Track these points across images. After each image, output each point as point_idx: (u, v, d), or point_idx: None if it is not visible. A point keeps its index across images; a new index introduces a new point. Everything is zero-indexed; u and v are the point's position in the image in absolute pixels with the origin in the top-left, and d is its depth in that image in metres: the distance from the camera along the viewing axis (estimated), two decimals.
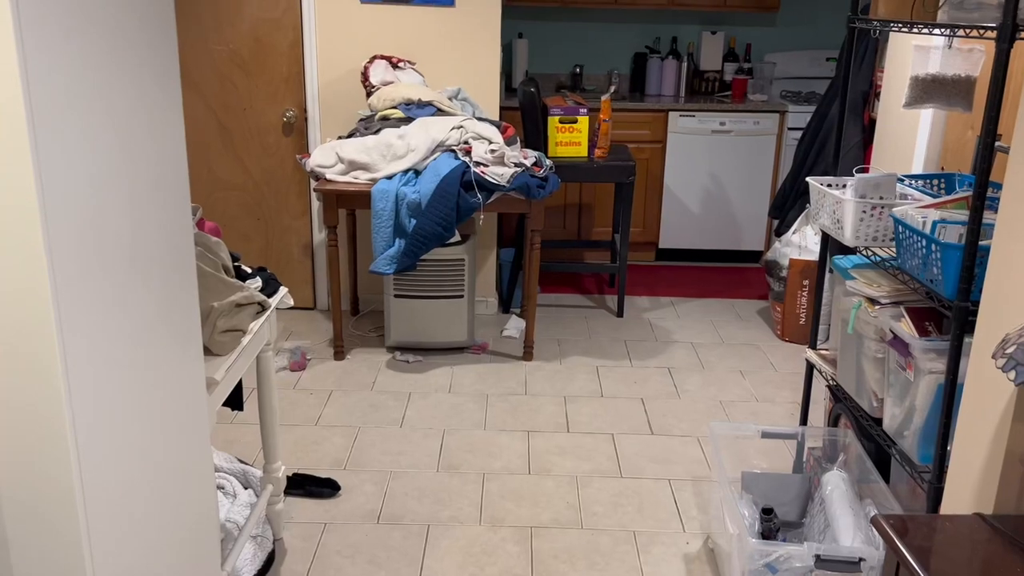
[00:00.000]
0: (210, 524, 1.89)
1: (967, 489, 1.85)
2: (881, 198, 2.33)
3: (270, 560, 2.57)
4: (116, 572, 1.43)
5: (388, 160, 3.73)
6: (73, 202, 1.24)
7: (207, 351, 1.94)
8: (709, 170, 5.35)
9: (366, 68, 4.07)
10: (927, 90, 2.45)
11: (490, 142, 3.73)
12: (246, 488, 2.74)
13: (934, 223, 2.05)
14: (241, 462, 2.89)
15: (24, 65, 1.11)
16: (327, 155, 3.79)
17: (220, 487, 2.67)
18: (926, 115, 3.31)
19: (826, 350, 2.83)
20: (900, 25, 2.32)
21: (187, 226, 1.64)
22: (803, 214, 4.40)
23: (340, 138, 3.97)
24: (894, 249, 2.29)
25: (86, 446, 1.31)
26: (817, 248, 2.84)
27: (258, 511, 2.47)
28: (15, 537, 1.32)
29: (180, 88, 1.60)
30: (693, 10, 5.53)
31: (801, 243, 4.31)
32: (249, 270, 2.36)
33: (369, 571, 2.58)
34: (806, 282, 4.19)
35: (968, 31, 1.99)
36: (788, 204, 4.62)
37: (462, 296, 3.99)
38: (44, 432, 1.26)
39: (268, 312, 2.27)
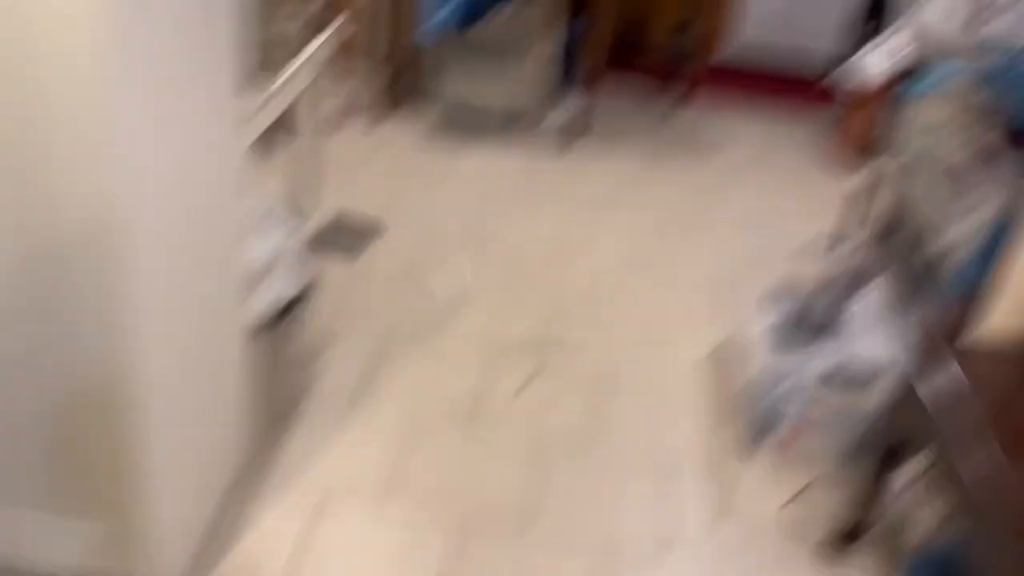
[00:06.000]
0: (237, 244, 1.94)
1: (1013, 307, 1.84)
2: None
3: (300, 298, 2.45)
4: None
5: None
6: None
7: None
8: None
9: None
10: None
11: None
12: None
13: None
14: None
15: None
16: None
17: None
18: None
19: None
20: None
21: None
22: (885, 32, 4.14)
23: None
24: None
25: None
26: (891, 70, 2.69)
27: (295, 240, 2.45)
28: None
29: None
30: None
31: (878, 63, 4.08)
32: None
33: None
34: (877, 103, 4.02)
35: None
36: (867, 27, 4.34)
37: (521, 61, 3.85)
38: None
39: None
